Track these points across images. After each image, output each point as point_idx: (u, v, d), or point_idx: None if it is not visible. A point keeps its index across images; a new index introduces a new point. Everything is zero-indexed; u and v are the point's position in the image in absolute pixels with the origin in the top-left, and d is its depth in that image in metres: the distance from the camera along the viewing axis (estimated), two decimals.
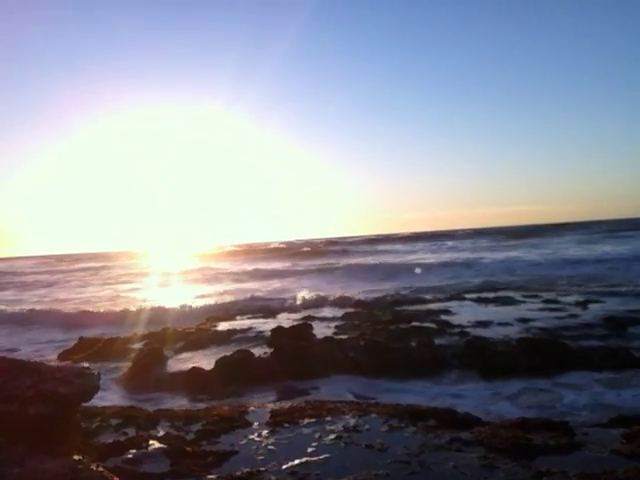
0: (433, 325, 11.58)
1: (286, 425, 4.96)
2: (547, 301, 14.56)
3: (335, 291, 19.06)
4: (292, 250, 57.22)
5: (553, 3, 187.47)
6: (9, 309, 19.25)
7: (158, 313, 16.68)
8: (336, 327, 12.05)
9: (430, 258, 35.01)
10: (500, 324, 11.58)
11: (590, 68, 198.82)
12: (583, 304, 13.69)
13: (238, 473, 3.82)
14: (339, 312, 14.51)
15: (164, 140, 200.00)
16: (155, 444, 4.37)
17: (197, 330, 12.33)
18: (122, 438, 4.57)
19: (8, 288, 32.88)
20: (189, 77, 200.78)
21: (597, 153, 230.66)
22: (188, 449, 4.27)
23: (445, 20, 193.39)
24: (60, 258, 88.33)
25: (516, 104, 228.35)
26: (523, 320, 11.84)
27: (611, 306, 13.22)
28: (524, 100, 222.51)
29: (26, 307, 19.80)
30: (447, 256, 36.54)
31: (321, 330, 11.46)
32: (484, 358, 8.51)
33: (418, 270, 32.29)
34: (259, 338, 11.23)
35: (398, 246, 56.16)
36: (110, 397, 7.45)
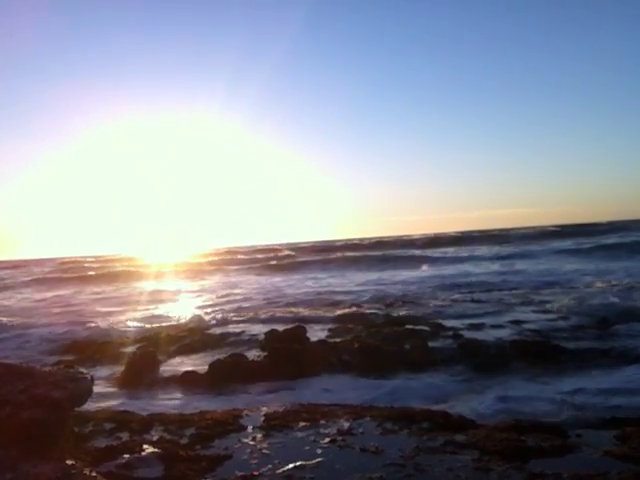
0: (427, 328, 11.60)
1: (280, 429, 4.95)
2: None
3: None
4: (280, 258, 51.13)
5: (549, 9, 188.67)
6: None
7: None
8: (330, 330, 12.05)
9: None
10: (493, 326, 11.64)
11: (582, 72, 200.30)
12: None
13: (232, 477, 3.81)
14: (333, 315, 14.51)
15: (157, 144, 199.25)
16: (149, 448, 4.35)
17: (190, 334, 12.30)
18: (115, 442, 4.55)
19: None
20: (184, 80, 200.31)
21: (592, 155, 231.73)
22: (182, 453, 4.26)
23: (440, 27, 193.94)
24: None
25: (510, 106, 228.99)
26: (516, 322, 11.91)
27: (604, 307, 13.29)
28: (517, 102, 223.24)
29: None
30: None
31: (315, 333, 11.46)
32: (477, 360, 8.55)
33: (425, 267, 32.43)
34: (252, 341, 11.22)
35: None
36: (103, 401, 7.40)
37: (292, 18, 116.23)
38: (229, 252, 70.93)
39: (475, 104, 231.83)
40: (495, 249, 45.09)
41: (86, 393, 3.80)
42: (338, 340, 10.43)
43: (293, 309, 16.72)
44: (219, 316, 15.57)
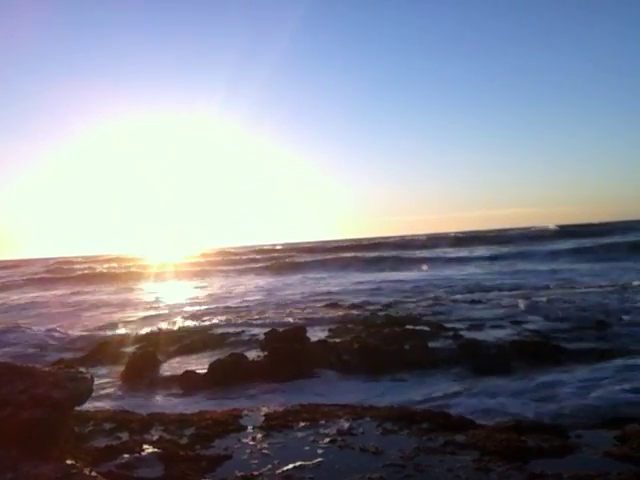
0: (427, 328, 11.61)
1: (280, 429, 4.94)
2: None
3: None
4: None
5: (549, 9, 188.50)
6: None
7: None
8: (330, 330, 12.06)
9: None
10: (493, 327, 11.65)
11: (582, 72, 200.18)
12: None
13: (232, 477, 3.80)
14: (333, 315, 14.52)
15: (158, 144, 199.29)
16: (149, 448, 4.34)
17: (190, 334, 12.30)
18: (115, 442, 4.54)
19: None
20: (184, 80, 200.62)
21: (592, 155, 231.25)
22: (182, 453, 4.25)
23: (440, 27, 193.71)
24: None
25: (510, 106, 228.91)
26: (516, 323, 11.92)
27: (603, 308, 13.30)
28: (517, 102, 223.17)
29: None
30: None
31: (315, 333, 11.46)
32: (477, 360, 8.55)
33: (424, 267, 32.53)
34: (253, 341, 11.22)
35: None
36: (103, 401, 7.41)
37: (292, 18, 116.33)
38: (229, 252, 70.81)
39: (475, 104, 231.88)
40: (495, 249, 45.08)
41: (86, 393, 3.79)
42: (338, 340, 10.43)
43: (293, 309, 16.73)
44: (219, 316, 15.57)
